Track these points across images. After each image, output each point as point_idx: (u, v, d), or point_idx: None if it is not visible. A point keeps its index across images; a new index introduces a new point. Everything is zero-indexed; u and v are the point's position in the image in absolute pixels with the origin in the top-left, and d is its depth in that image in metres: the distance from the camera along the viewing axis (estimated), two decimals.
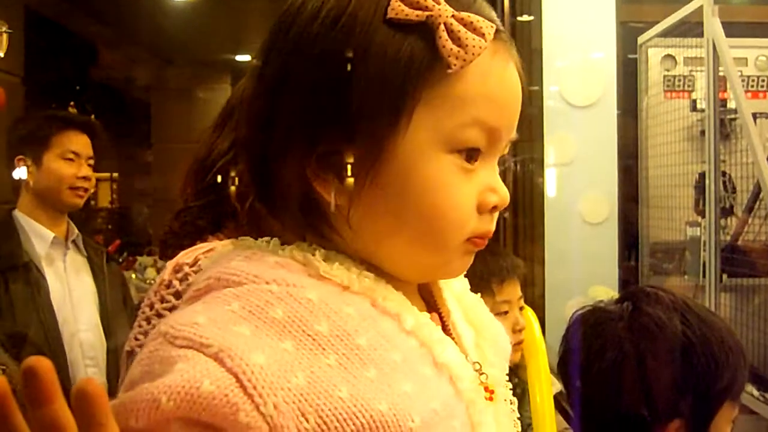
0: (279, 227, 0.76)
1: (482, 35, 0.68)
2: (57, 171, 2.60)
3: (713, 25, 3.26)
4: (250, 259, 0.71)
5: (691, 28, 3.56)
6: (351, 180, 0.69)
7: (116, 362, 2.49)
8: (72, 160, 2.62)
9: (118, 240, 6.00)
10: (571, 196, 3.45)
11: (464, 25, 0.67)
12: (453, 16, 0.67)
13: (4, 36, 2.34)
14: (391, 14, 0.68)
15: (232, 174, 1.25)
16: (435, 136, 0.69)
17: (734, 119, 3.47)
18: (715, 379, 1.16)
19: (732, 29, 3.42)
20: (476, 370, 0.76)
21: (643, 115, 4.13)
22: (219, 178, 1.30)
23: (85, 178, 2.65)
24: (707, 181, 3.34)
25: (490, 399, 0.76)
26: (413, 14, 0.67)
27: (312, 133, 0.69)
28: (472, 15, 0.68)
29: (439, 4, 0.68)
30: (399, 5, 0.67)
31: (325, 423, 0.60)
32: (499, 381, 0.79)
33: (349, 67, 0.67)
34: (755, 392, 2.89)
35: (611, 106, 3.49)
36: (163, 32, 6.79)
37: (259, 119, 0.73)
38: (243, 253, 0.72)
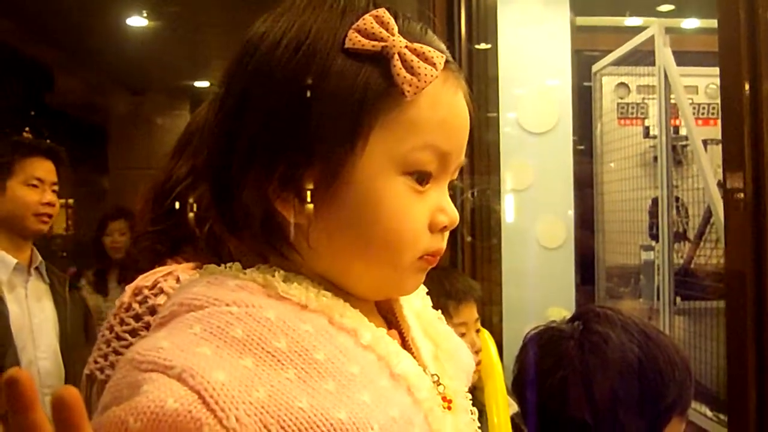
0: (236, 250, 0.79)
1: (433, 64, 0.71)
2: (21, 198, 2.59)
3: (665, 54, 3.35)
4: (211, 284, 0.73)
5: (644, 56, 3.65)
6: (310, 199, 0.72)
7: None
8: (36, 186, 2.61)
9: (74, 268, 5.90)
10: (528, 221, 3.48)
11: (417, 55, 0.71)
12: (406, 46, 0.71)
13: None
14: (348, 44, 0.71)
15: (191, 199, 1.27)
16: (389, 158, 0.72)
17: (686, 146, 3.54)
18: (662, 395, 1.18)
19: (683, 58, 3.51)
20: (434, 382, 0.79)
21: (597, 142, 4.21)
22: (177, 204, 1.31)
23: (49, 204, 2.64)
24: (660, 206, 3.42)
25: (449, 408, 0.79)
26: (369, 44, 0.71)
27: (274, 154, 0.72)
28: (423, 46, 0.72)
29: (393, 35, 0.71)
30: (356, 36, 0.71)
31: None
32: (458, 392, 0.82)
33: (308, 93, 0.70)
34: (709, 412, 2.94)
35: (567, 132, 3.54)
36: (120, 58, 6.73)
37: (223, 141, 0.75)
38: (206, 278, 0.75)
